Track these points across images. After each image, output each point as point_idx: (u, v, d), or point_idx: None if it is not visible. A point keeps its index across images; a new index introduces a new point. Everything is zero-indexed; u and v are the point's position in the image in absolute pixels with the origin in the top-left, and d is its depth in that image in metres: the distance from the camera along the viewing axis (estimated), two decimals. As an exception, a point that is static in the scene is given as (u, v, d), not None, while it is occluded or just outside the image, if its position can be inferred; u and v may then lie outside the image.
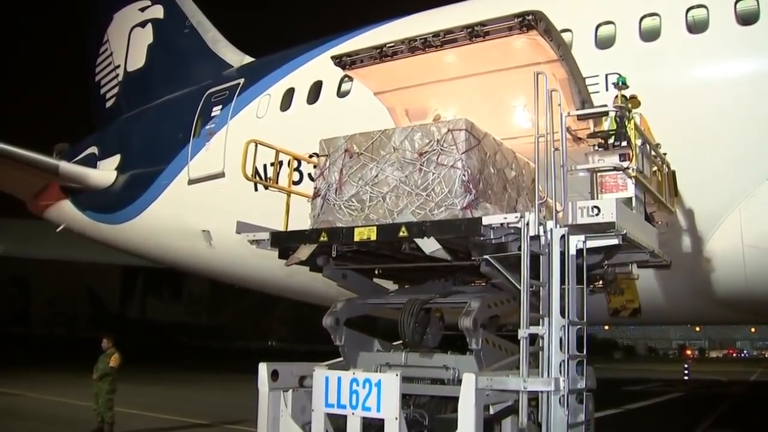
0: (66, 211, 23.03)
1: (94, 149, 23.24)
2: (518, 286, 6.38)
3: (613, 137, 7.79)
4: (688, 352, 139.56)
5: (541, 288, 6.48)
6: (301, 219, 8.33)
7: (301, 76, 17.54)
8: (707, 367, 72.09)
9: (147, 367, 31.90)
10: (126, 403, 15.55)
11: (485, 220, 6.64)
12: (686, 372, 44.31)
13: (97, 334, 15.18)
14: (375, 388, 6.64)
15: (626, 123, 7.72)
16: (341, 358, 7.94)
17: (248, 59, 21.99)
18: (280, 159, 9.37)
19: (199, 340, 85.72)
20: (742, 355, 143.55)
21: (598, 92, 11.02)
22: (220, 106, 18.81)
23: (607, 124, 8.10)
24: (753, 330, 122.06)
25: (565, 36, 11.02)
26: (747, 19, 11.73)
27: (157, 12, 24.26)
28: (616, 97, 8.61)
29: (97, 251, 27.96)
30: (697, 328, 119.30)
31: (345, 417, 6.84)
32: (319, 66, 16.75)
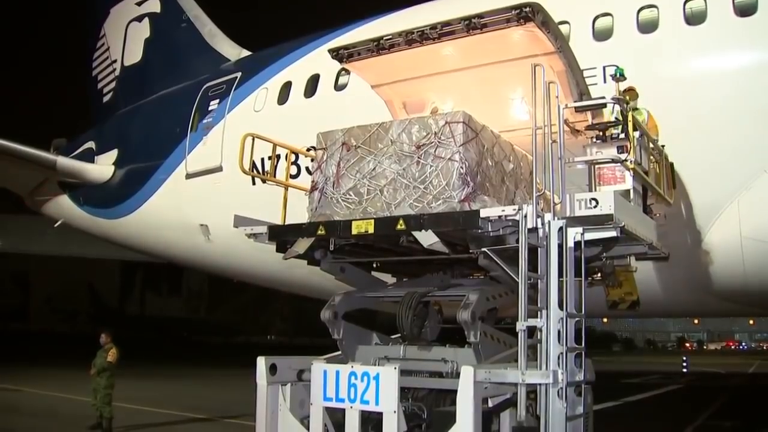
0: (64, 206, 23.00)
1: (91, 144, 23.20)
2: (516, 279, 6.37)
3: (611, 129, 7.78)
4: (687, 344, 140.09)
5: (539, 281, 6.48)
6: (299, 212, 8.31)
7: (298, 69, 17.51)
8: (706, 359, 72.30)
9: (146, 362, 31.99)
10: (125, 398, 15.57)
11: (483, 213, 6.64)
12: (685, 364, 44.43)
13: (97, 329, 15.18)
14: (373, 381, 6.63)
15: (626, 115, 7.71)
16: (339, 352, 7.94)
17: (245, 53, 21.96)
18: (277, 152, 9.33)
19: (199, 335, 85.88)
20: (741, 347, 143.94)
21: (595, 84, 10.99)
22: (218, 100, 18.77)
23: (613, 116, 8.07)
24: (751, 322, 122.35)
25: (563, 28, 10.98)
26: (745, 10, 11.70)
27: (154, 6, 24.19)
28: (626, 90, 8.62)
29: (96, 247, 27.97)
30: (696, 321, 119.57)
31: (343, 411, 6.82)
32: (316, 59, 16.73)
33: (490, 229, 6.70)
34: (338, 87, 16.06)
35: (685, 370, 43.30)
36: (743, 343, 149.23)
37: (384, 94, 9.72)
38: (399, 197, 7.29)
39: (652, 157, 8.72)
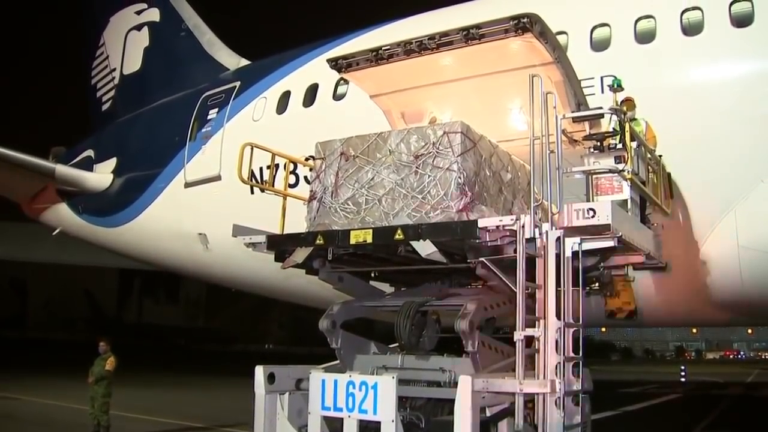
0: (62, 214, 23.00)
1: (90, 152, 23.23)
2: (514, 289, 6.38)
3: (608, 139, 7.83)
4: (685, 353, 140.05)
5: (537, 290, 6.49)
6: (298, 222, 8.33)
7: (297, 78, 17.57)
8: (704, 368, 72.22)
9: (144, 370, 31.89)
10: (122, 407, 15.51)
11: (481, 223, 6.66)
12: (683, 374, 44.37)
13: (94, 337, 15.13)
14: (371, 390, 6.63)
15: (624, 125, 7.75)
16: (338, 361, 7.94)
17: (244, 62, 22.01)
18: (276, 162, 9.35)
19: (196, 344, 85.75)
20: (739, 356, 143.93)
21: (593, 94, 11.05)
22: (217, 109, 18.82)
23: (611, 126, 8.11)
24: (749, 331, 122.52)
25: (561, 38, 11.04)
26: (741, 21, 11.78)
27: (153, 15, 24.27)
28: (624, 100, 8.66)
29: (94, 254, 27.93)
30: (694, 330, 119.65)
31: (341, 420, 6.82)
32: (315, 69, 16.78)
33: (487, 239, 6.71)
34: (337, 96, 16.11)
35: (683, 379, 43.23)
36: (742, 353, 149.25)
37: (382, 104, 9.76)
38: (397, 207, 7.31)
39: (649, 167, 8.76)
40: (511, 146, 8.49)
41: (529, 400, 6.42)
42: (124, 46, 25.01)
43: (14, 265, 58.40)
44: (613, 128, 7.96)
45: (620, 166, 7.48)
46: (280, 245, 8.19)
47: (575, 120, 8.17)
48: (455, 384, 6.45)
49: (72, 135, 26.86)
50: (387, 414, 6.52)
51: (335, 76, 10.87)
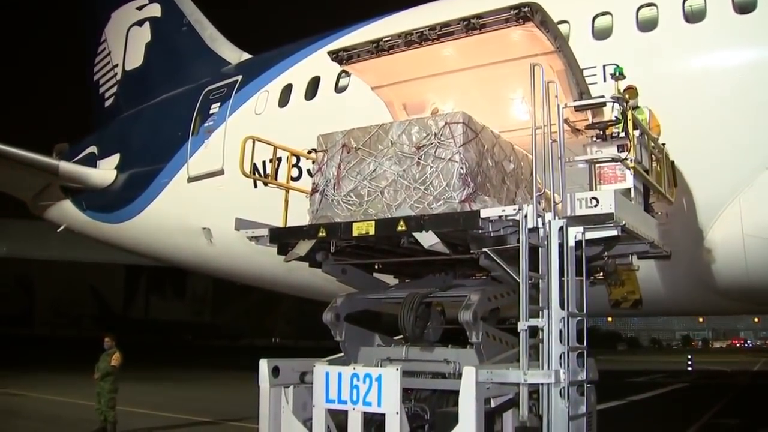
0: (66, 211, 23.05)
1: (93, 149, 23.24)
2: (517, 279, 6.36)
3: (611, 128, 7.80)
4: (692, 342, 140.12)
5: (540, 280, 6.47)
6: (301, 215, 8.32)
7: (298, 72, 17.56)
8: (711, 357, 72.23)
9: (150, 366, 31.99)
10: (129, 402, 15.58)
11: (483, 213, 6.63)
12: (690, 363, 44.39)
13: (101, 333, 15.17)
14: (375, 383, 6.61)
15: (626, 113, 7.72)
16: (342, 354, 7.94)
17: (246, 56, 22.00)
18: (278, 155, 9.34)
19: (203, 339, 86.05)
20: (746, 345, 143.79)
21: (595, 83, 11.00)
22: (219, 104, 18.81)
23: (614, 114, 8.08)
24: (756, 320, 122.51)
25: (562, 27, 10.99)
26: (744, 7, 11.70)
27: (155, 10, 24.26)
28: (626, 89, 8.62)
29: (100, 251, 28.02)
30: (701, 319, 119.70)
31: (346, 412, 6.81)
32: (316, 61, 16.78)
33: (490, 230, 6.69)
34: (339, 89, 16.11)
35: (690, 368, 43.27)
36: (748, 341, 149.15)
37: (384, 96, 9.73)
38: (399, 198, 7.30)
39: (653, 156, 8.73)
40: (513, 136, 8.47)
41: (534, 390, 6.41)
42: (126, 42, 25.01)
43: (20, 263, 58.59)
44: (616, 117, 7.92)
45: (623, 155, 7.46)
46: (283, 238, 8.17)
47: (577, 109, 8.15)
48: (460, 375, 6.43)
49: (73, 133, 26.90)
50: (391, 406, 6.50)
51: (337, 68, 10.85)
